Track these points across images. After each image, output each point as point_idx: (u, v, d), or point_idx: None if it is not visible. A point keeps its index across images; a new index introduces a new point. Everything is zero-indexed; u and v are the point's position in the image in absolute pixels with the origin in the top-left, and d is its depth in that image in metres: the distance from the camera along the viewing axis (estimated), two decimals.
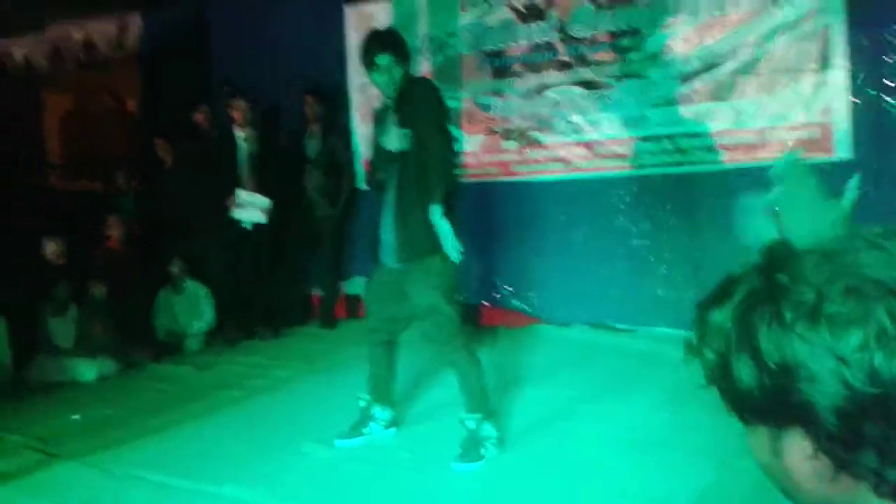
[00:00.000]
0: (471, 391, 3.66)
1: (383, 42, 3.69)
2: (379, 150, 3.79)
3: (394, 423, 4.02)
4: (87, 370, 5.43)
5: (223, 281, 6.38)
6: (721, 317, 0.81)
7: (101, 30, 8.00)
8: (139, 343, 5.91)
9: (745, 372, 0.78)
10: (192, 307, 6.29)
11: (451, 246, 3.54)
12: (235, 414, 4.56)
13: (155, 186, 7.00)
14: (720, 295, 0.83)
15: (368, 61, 3.67)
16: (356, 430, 3.93)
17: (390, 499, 3.32)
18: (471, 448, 3.57)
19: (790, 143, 4.94)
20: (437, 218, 3.52)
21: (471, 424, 3.61)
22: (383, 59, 3.62)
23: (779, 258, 0.80)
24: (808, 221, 1.19)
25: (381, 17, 6.32)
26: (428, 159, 3.57)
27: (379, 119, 3.88)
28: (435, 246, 3.56)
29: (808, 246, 0.80)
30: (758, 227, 1.36)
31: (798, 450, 0.78)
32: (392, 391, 4.02)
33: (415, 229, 3.59)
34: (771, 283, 0.78)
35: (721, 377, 0.82)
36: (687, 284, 5.40)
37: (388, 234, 3.72)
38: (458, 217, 3.62)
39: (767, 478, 0.86)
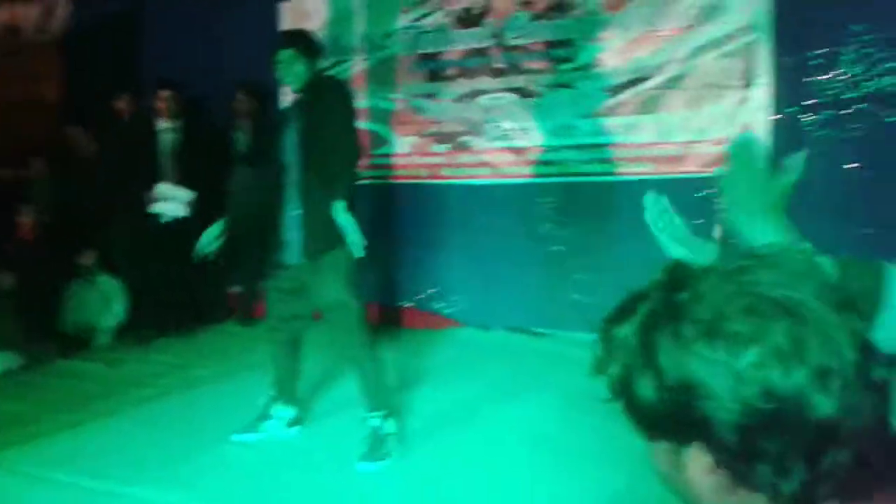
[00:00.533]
0: (372, 389, 3.69)
1: (287, 38, 3.91)
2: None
3: (297, 421, 4.03)
4: None
5: (137, 275, 6.17)
6: (625, 333, 0.83)
7: (25, 13, 7.71)
8: (46, 337, 5.66)
9: (647, 388, 0.79)
10: (103, 301, 6.07)
11: (355, 241, 3.58)
12: (147, 412, 4.42)
13: (70, 176, 6.73)
14: (625, 311, 0.84)
15: (274, 57, 3.79)
16: (253, 425, 3.93)
17: (302, 498, 3.27)
18: (375, 446, 3.59)
19: (711, 157, 5.09)
20: (341, 214, 3.57)
21: (374, 422, 3.64)
22: (284, 54, 3.73)
23: (679, 277, 0.82)
24: (756, 196, 1.24)
25: (318, 14, 6.24)
26: (332, 156, 3.63)
27: (286, 117, 3.95)
28: (340, 241, 3.60)
29: (710, 264, 0.83)
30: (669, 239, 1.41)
31: (698, 464, 0.80)
32: (295, 389, 4.03)
33: (320, 225, 3.62)
34: (671, 301, 0.80)
35: (625, 392, 0.83)
36: (604, 290, 5.49)
37: (291, 231, 3.76)
38: (358, 214, 3.67)
39: (669, 491, 0.88)
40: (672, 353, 0.77)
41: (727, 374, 0.74)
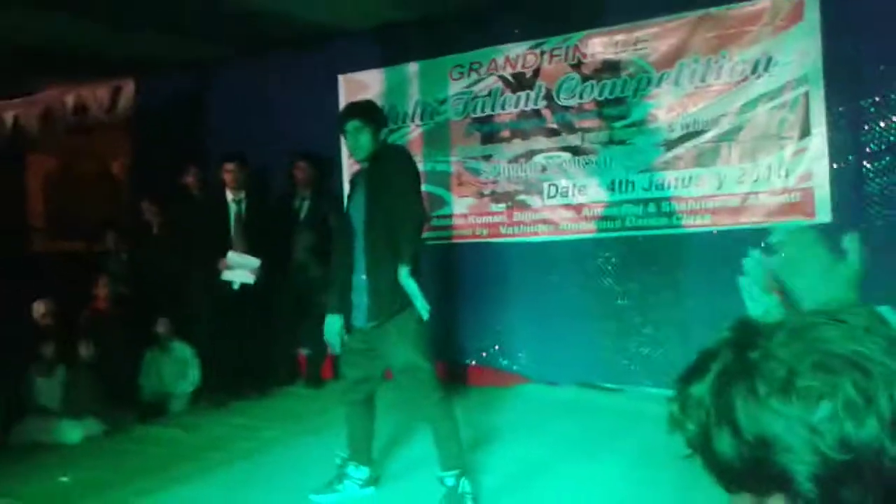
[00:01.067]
0: (447, 447, 3.73)
1: (353, 109, 3.98)
2: (346, 217, 3.99)
3: (372, 481, 4.09)
4: (73, 431, 5.35)
5: (210, 342, 6.36)
6: (699, 390, 0.85)
7: (93, 94, 8.10)
8: (125, 404, 5.85)
9: (724, 443, 0.82)
10: (179, 368, 6.25)
11: (421, 305, 3.68)
12: (226, 476, 4.52)
13: (143, 248, 7.01)
14: (697, 369, 0.87)
15: (340, 127, 3.94)
16: (330, 486, 4.02)
17: None
18: None
19: (772, 207, 5.11)
20: (405, 278, 3.66)
21: (449, 482, 3.67)
22: (351, 125, 3.85)
23: (747, 335, 0.86)
24: (821, 285, 1.25)
25: (374, 85, 6.48)
26: (397, 222, 3.73)
27: (353, 185, 4.09)
28: (405, 304, 3.70)
29: (776, 321, 0.86)
30: (756, 292, 1.41)
31: None
32: (369, 449, 4.08)
33: (386, 289, 3.72)
34: (744, 359, 0.83)
35: (702, 448, 0.86)
36: (672, 343, 5.49)
37: (358, 296, 3.84)
38: (422, 275, 3.79)
39: None
40: (748, 409, 0.80)
41: (803, 428, 0.77)
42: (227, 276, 6.17)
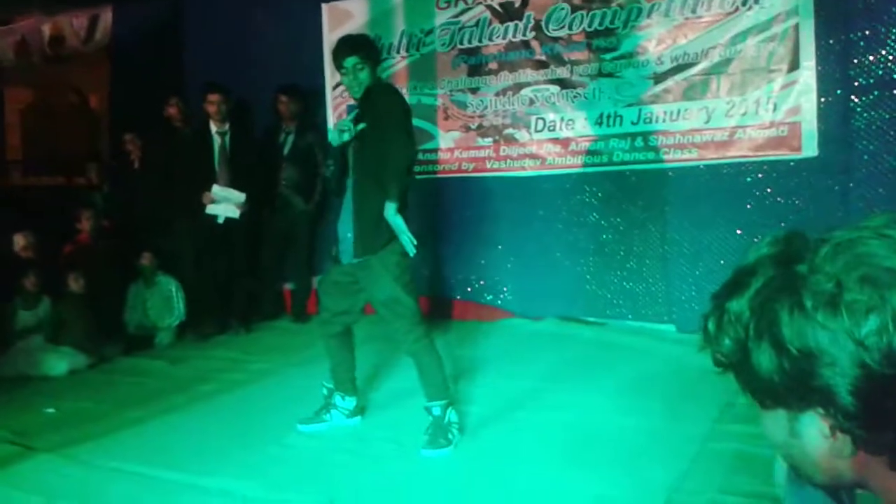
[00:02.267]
0: (431, 380, 3.77)
1: (351, 45, 3.85)
2: (334, 149, 3.92)
3: (358, 411, 4.13)
4: (58, 364, 5.36)
5: (195, 276, 6.35)
6: (738, 306, 0.85)
7: (70, 23, 7.90)
8: (110, 337, 5.86)
9: (765, 358, 0.82)
10: (164, 302, 6.25)
11: (407, 241, 3.68)
12: (215, 406, 4.55)
13: (126, 182, 6.93)
14: (736, 284, 0.87)
15: (337, 64, 3.84)
16: (318, 416, 4.06)
17: (369, 486, 3.35)
18: (437, 434, 3.66)
19: (759, 142, 5.10)
20: (392, 215, 3.67)
21: (436, 411, 3.72)
22: (349, 62, 3.77)
23: (794, 249, 0.85)
24: None
25: (359, 14, 6.35)
26: (386, 158, 3.70)
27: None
28: (390, 239, 3.71)
29: (820, 235, 0.85)
30: None
31: (816, 430, 0.83)
32: (353, 380, 4.12)
33: (371, 225, 3.73)
34: (790, 273, 0.83)
35: (739, 363, 0.86)
36: (654, 278, 5.53)
37: (345, 229, 3.85)
38: (408, 210, 3.79)
39: (783, 457, 0.92)
40: (794, 323, 0.80)
41: (849, 342, 0.77)
42: (211, 209, 6.12)
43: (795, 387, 0.82)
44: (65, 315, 5.62)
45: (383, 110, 3.78)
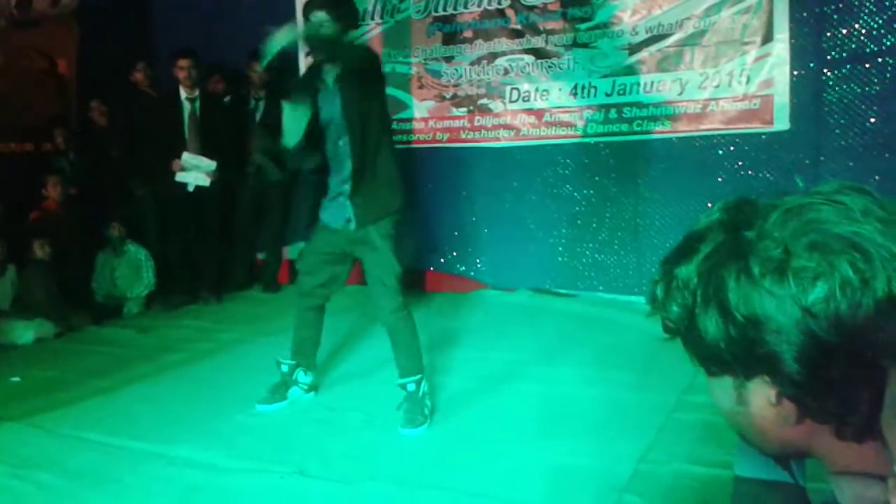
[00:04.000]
0: (405, 353, 3.70)
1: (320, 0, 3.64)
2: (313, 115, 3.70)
3: (314, 386, 4.07)
4: (25, 332, 5.30)
5: (159, 244, 6.28)
6: (686, 272, 0.84)
7: None
8: (78, 306, 5.78)
9: (711, 324, 0.81)
10: (133, 271, 6.18)
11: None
12: (183, 376, 4.53)
13: (92, 148, 6.80)
14: (685, 250, 0.86)
15: (305, 17, 3.66)
16: (277, 393, 3.95)
17: (344, 457, 3.35)
18: (413, 411, 3.60)
19: (731, 115, 5.10)
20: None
21: (411, 387, 3.65)
22: (317, 17, 3.57)
23: (743, 214, 0.84)
24: None
25: None
26: (377, 129, 3.64)
27: (307, 80, 3.83)
28: (389, 210, 3.64)
29: (770, 201, 0.84)
30: None
31: (763, 397, 0.82)
32: (315, 355, 4.04)
33: (373, 193, 3.63)
34: (738, 238, 0.81)
35: (686, 330, 0.85)
36: (626, 250, 5.55)
37: (343, 198, 3.69)
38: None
39: (730, 425, 0.90)
40: (740, 289, 0.79)
41: (796, 309, 0.76)
42: (181, 177, 6.03)
43: (741, 353, 0.81)
44: (30, 283, 5.54)
45: (368, 75, 3.62)
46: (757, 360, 0.80)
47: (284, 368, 3.97)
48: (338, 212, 3.71)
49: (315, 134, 3.72)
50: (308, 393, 4.01)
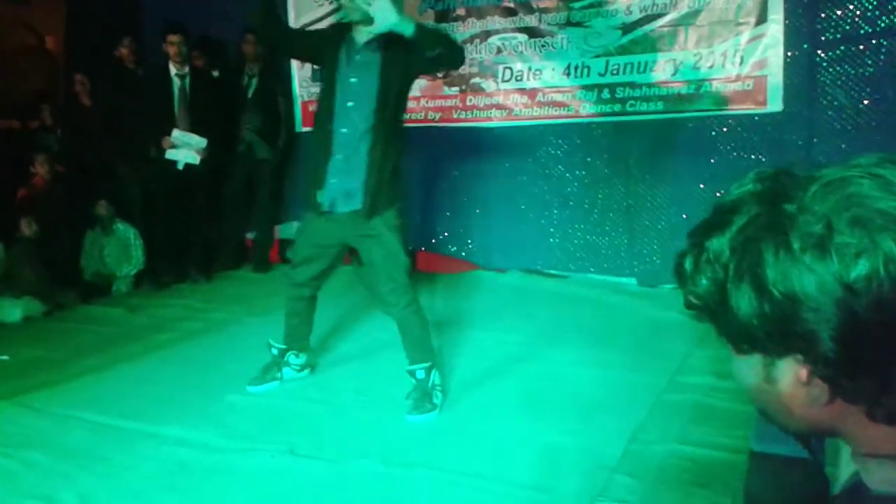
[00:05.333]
0: (416, 343, 3.61)
1: None
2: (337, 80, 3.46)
3: (308, 365, 4.01)
4: (12, 311, 5.26)
5: (153, 223, 6.23)
6: (718, 244, 0.81)
7: None
8: (66, 284, 5.75)
9: (744, 300, 0.78)
10: (122, 249, 6.14)
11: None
12: (173, 355, 4.50)
13: (78, 125, 6.74)
14: (717, 222, 0.82)
15: None
16: (268, 374, 3.89)
17: (335, 436, 3.34)
18: (422, 399, 3.52)
19: (725, 95, 5.08)
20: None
21: (420, 374, 3.56)
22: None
23: (782, 186, 0.80)
24: None
25: None
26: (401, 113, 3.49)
27: (338, 39, 3.49)
28: (397, 196, 3.51)
29: (808, 173, 0.80)
30: None
31: (793, 376, 0.80)
32: (307, 337, 3.96)
33: (388, 180, 3.47)
34: (777, 211, 0.78)
35: (716, 305, 0.82)
36: (618, 231, 5.54)
37: (351, 180, 3.46)
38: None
39: (755, 403, 0.88)
40: (779, 264, 0.76)
41: (838, 287, 0.73)
42: (171, 154, 5.98)
43: (775, 331, 0.78)
44: (18, 261, 5.49)
45: (401, 54, 3.33)
46: (791, 338, 0.77)
47: (275, 351, 3.93)
48: (342, 194, 3.48)
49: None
50: (301, 373, 3.97)
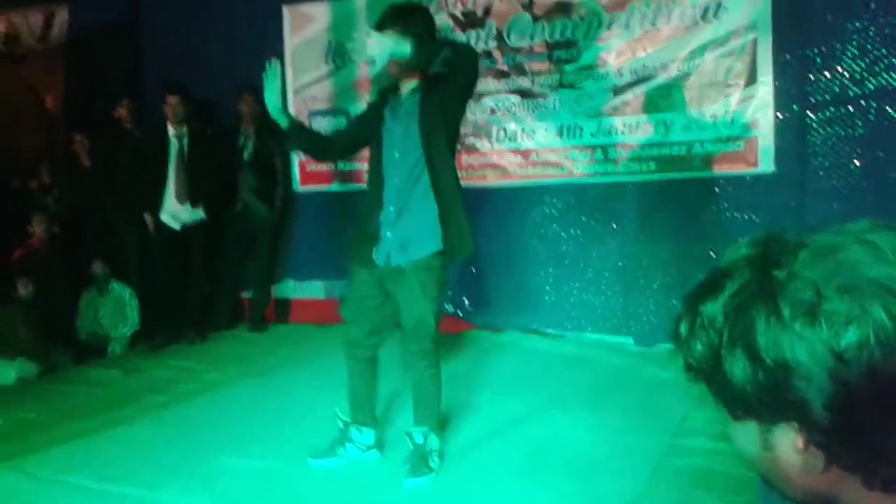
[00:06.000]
0: (425, 405, 3.52)
1: (392, 17, 3.32)
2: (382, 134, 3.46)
3: (376, 445, 3.71)
4: (6, 372, 5.22)
5: (149, 283, 6.23)
6: (712, 309, 0.81)
7: (26, 20, 7.73)
8: (61, 345, 5.72)
9: (738, 367, 0.78)
10: (117, 310, 6.12)
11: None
12: (167, 417, 4.46)
13: (75, 184, 6.79)
14: (711, 287, 0.82)
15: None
16: (332, 449, 3.65)
17: (332, 501, 3.30)
18: (419, 462, 3.44)
19: (717, 156, 5.15)
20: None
21: (418, 438, 3.48)
22: (389, 35, 3.26)
23: (773, 252, 0.80)
24: None
25: (320, 17, 6.30)
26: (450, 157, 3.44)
27: (383, 105, 3.54)
28: (437, 244, 3.38)
29: (799, 239, 0.81)
30: None
31: (789, 443, 0.79)
32: (373, 410, 3.72)
33: (421, 222, 3.38)
34: (767, 278, 0.78)
35: (711, 371, 0.82)
36: (613, 290, 5.55)
37: (384, 226, 3.42)
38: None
39: (754, 469, 0.87)
40: (770, 331, 0.76)
41: (828, 355, 0.73)
42: (167, 215, 6.02)
43: (769, 399, 0.78)
44: (13, 321, 5.47)
45: (443, 97, 3.32)
46: (785, 405, 0.77)
47: (339, 424, 3.66)
48: (397, 246, 3.40)
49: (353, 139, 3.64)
50: (367, 453, 3.66)
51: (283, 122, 3.54)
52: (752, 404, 0.79)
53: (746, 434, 0.84)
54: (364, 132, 3.61)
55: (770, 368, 0.76)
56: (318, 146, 3.86)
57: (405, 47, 3.20)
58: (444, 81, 3.32)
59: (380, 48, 3.23)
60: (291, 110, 6.45)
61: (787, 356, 0.75)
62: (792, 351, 0.74)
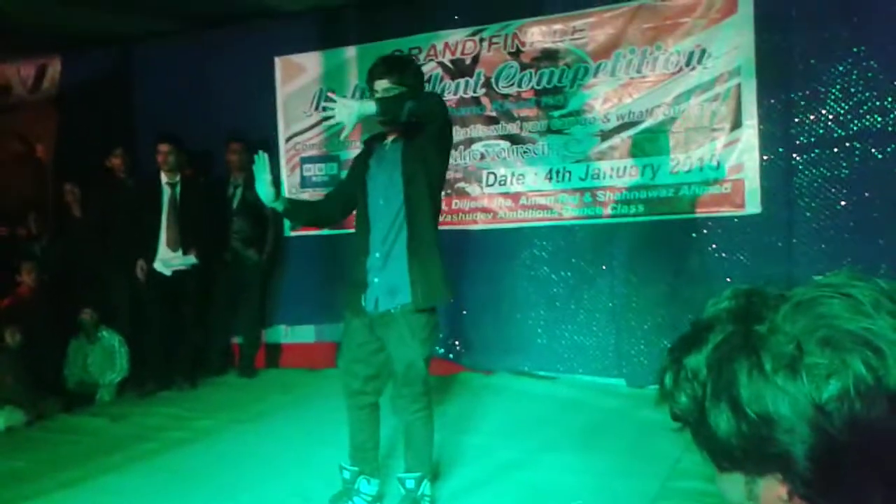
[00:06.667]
0: (417, 450, 3.50)
1: (386, 66, 3.43)
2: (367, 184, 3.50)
3: (379, 497, 3.65)
4: None
5: (139, 331, 6.20)
6: (695, 362, 0.82)
7: (18, 72, 7.80)
8: (49, 393, 5.66)
9: (722, 419, 0.79)
10: (106, 357, 6.07)
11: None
12: (156, 465, 4.41)
13: (65, 233, 6.79)
14: (694, 339, 0.84)
15: (369, 85, 3.46)
16: (339, 500, 3.61)
17: None
18: None
19: (703, 198, 5.20)
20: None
21: (410, 484, 3.45)
22: (381, 84, 3.37)
23: (753, 306, 0.82)
24: None
25: (312, 68, 6.38)
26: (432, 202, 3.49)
27: (368, 153, 3.60)
28: (428, 294, 3.38)
29: (779, 292, 0.82)
30: None
31: (774, 494, 0.80)
32: (377, 459, 3.68)
33: (405, 269, 3.37)
34: (749, 331, 0.79)
35: (696, 423, 0.83)
36: (604, 332, 5.55)
37: (390, 276, 3.39)
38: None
39: None
40: (752, 385, 0.77)
41: (810, 407, 0.74)
42: (157, 263, 6.02)
43: (753, 451, 0.79)
44: (0, 370, 5.42)
45: (431, 144, 3.39)
46: (769, 457, 0.78)
47: (346, 475, 3.61)
48: (385, 292, 3.39)
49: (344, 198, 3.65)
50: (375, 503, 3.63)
51: (280, 208, 3.61)
52: (736, 457, 0.80)
53: (733, 485, 0.84)
54: (356, 187, 3.63)
55: (753, 421, 0.77)
56: (319, 216, 4.02)
57: (370, 107, 3.27)
58: (422, 129, 3.37)
59: (347, 111, 3.28)
60: (283, 158, 6.53)
61: (770, 409, 0.76)
62: (774, 404, 0.76)
